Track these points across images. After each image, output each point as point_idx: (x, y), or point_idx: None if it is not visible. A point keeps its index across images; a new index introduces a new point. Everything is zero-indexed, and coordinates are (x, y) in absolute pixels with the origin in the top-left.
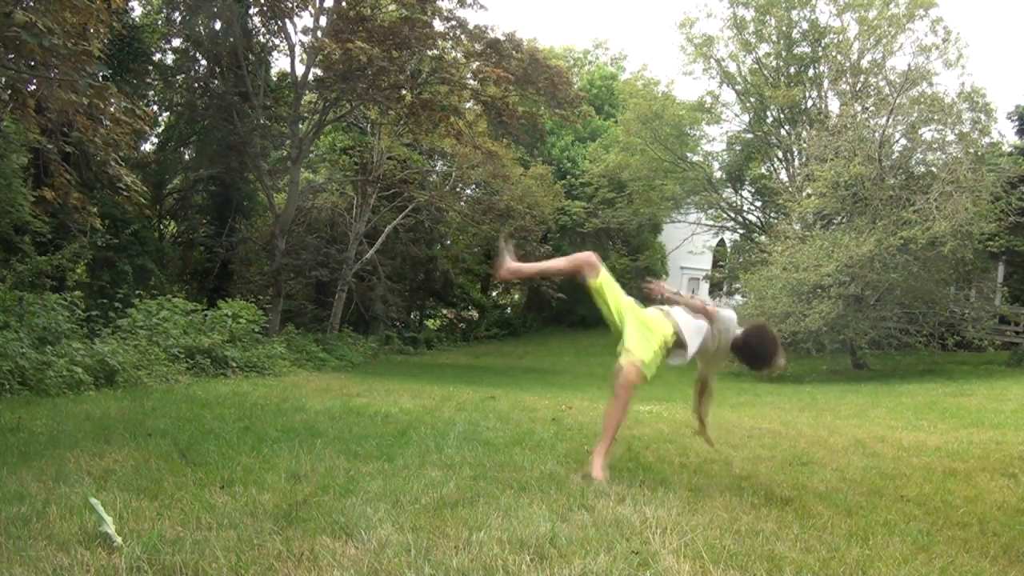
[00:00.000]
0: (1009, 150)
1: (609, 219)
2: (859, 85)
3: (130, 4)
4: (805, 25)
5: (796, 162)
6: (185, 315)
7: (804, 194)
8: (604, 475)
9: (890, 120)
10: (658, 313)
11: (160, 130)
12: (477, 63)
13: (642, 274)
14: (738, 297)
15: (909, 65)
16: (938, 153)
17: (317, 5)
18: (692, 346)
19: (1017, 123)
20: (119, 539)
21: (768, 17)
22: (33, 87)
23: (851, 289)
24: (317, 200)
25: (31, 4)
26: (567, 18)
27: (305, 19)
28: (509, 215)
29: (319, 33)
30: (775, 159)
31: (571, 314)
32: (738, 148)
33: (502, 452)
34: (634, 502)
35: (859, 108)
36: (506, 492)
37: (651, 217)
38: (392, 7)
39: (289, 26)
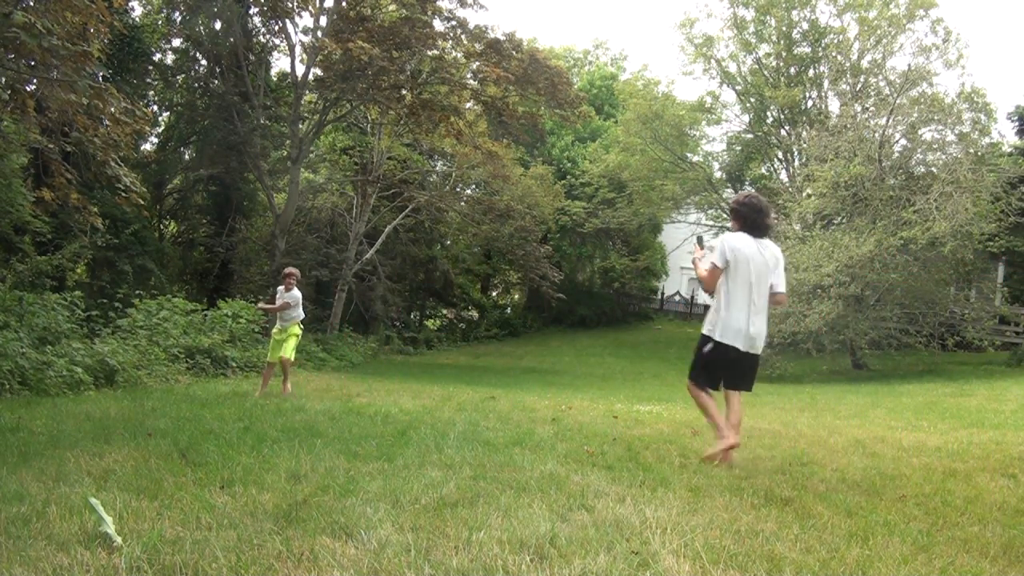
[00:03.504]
0: (1009, 150)
1: (609, 219)
2: (859, 85)
3: (130, 4)
4: (805, 25)
5: (796, 162)
6: (185, 315)
7: (804, 194)
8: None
9: (890, 120)
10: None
11: (160, 130)
12: (477, 63)
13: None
14: None
15: (909, 65)
16: (938, 153)
17: (317, 5)
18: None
19: (1017, 123)
20: (119, 539)
21: (768, 17)
22: (33, 87)
23: (851, 289)
24: (317, 200)
25: (31, 4)
26: (567, 18)
27: (305, 19)
28: (509, 215)
29: (319, 33)
30: (775, 159)
31: (571, 314)
32: (738, 148)
33: (502, 452)
34: (634, 502)
35: (859, 108)
36: (506, 492)
37: (651, 217)
38: (392, 7)
39: (289, 26)
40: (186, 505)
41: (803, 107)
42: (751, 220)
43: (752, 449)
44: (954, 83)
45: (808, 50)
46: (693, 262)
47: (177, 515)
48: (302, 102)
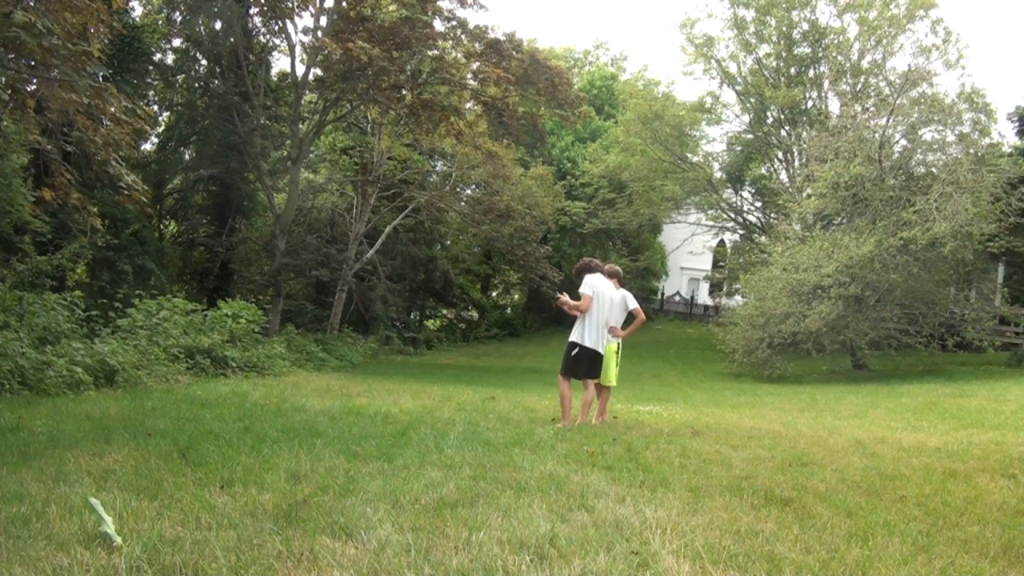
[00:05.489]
0: (1009, 151)
1: (609, 220)
2: (859, 86)
3: (130, 4)
4: (805, 26)
5: (796, 163)
6: (185, 315)
7: (804, 195)
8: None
9: (890, 121)
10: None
11: (160, 130)
12: (477, 63)
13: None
14: (738, 297)
15: (909, 66)
16: (938, 154)
17: (317, 5)
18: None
19: (1017, 124)
20: (119, 539)
21: (768, 18)
22: (33, 87)
23: (851, 290)
24: (317, 200)
25: (31, 4)
26: (567, 18)
27: (305, 19)
28: (509, 215)
29: (319, 33)
30: (775, 160)
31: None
32: (738, 149)
33: (502, 452)
34: (634, 502)
35: (859, 109)
36: (506, 492)
37: (651, 218)
38: (392, 7)
39: (289, 26)
40: (186, 505)
41: (803, 107)
42: (596, 268)
43: (752, 449)
44: (954, 83)
45: (808, 50)
46: (566, 305)
47: (177, 515)
48: (302, 102)
